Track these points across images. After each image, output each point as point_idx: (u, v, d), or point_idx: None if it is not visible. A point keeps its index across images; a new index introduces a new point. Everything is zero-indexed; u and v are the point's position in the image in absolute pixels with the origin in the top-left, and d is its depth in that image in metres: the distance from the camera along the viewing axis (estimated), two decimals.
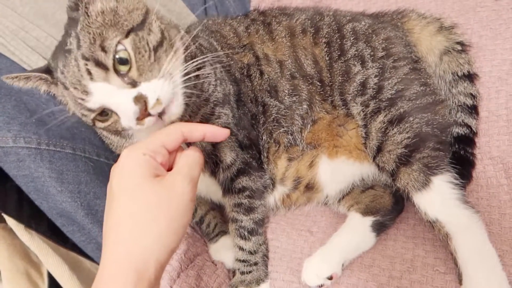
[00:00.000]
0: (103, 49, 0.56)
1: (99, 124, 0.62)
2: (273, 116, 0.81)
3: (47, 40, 0.84)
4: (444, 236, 0.68)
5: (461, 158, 0.78)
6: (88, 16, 0.58)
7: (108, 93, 0.57)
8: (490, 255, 0.65)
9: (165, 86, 0.58)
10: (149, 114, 0.57)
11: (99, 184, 0.83)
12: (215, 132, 0.59)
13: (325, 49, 0.82)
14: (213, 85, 0.75)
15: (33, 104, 0.78)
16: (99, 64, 0.57)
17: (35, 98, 0.79)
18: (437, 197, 0.69)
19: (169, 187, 0.52)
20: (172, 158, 0.58)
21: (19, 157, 0.74)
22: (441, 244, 0.72)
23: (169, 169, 0.57)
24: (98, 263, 0.85)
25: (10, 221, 0.83)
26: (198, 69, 0.69)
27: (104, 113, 0.60)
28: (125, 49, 0.57)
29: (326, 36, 0.83)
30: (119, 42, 0.57)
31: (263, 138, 0.82)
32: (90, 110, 0.60)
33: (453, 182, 0.70)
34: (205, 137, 0.59)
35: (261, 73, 0.83)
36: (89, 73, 0.57)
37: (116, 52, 0.57)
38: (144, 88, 0.57)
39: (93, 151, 0.86)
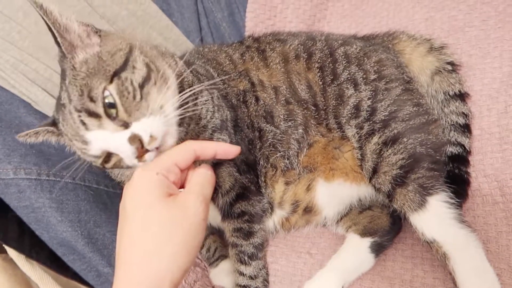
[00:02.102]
0: (92, 99, 0.58)
1: (106, 165, 0.64)
2: (269, 141, 0.83)
3: (46, 71, 0.86)
4: (442, 256, 0.68)
5: (456, 177, 0.79)
6: (73, 68, 0.60)
7: (104, 138, 0.59)
8: (488, 274, 0.66)
9: (155, 122, 0.59)
10: (147, 150, 0.58)
11: (98, 212, 0.83)
12: (226, 150, 0.60)
13: (318, 74, 0.84)
14: (211, 111, 0.77)
15: None
16: (91, 114, 0.58)
17: None
18: (434, 217, 0.70)
19: (182, 207, 0.52)
20: (184, 176, 0.58)
21: (20, 188, 0.74)
22: (439, 264, 0.72)
23: (181, 186, 0.58)
24: None
25: (11, 252, 0.83)
26: (196, 97, 0.70)
27: (108, 155, 0.62)
28: (110, 94, 0.58)
29: (319, 61, 0.85)
30: (104, 89, 0.58)
31: (260, 162, 0.83)
32: (95, 156, 0.61)
33: (448, 201, 0.70)
34: (217, 155, 0.59)
35: (257, 99, 0.84)
36: (83, 123, 0.58)
37: (103, 98, 0.58)
38: (136, 128, 0.58)
39: (92, 179, 0.87)
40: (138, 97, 0.59)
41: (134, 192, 0.53)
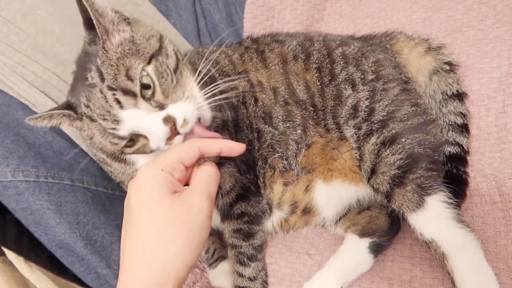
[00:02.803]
0: (130, 78, 0.59)
1: (127, 150, 0.64)
2: (267, 142, 0.83)
3: (44, 74, 0.86)
4: (441, 256, 0.68)
5: (454, 177, 0.79)
6: (106, 50, 0.61)
7: (138, 118, 0.60)
8: (486, 274, 0.66)
9: (190, 107, 0.61)
10: (178, 133, 0.60)
11: (97, 214, 0.83)
12: (231, 147, 0.60)
13: (316, 75, 0.84)
14: (217, 111, 0.77)
15: (31, 137, 0.79)
16: (128, 92, 0.59)
17: (33, 131, 0.80)
18: (432, 217, 0.70)
19: (187, 204, 0.52)
20: (188, 173, 0.59)
21: (18, 190, 0.74)
22: (438, 264, 0.72)
23: (186, 184, 0.58)
24: None
25: (10, 254, 0.83)
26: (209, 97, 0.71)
27: (131, 139, 0.62)
28: (148, 75, 0.59)
29: (317, 61, 0.85)
30: (142, 69, 0.60)
31: (259, 163, 0.83)
32: (121, 137, 0.62)
33: (447, 201, 0.70)
34: (222, 152, 0.59)
35: (256, 100, 0.84)
36: (118, 102, 0.59)
37: (141, 78, 0.59)
38: (172, 109, 0.60)
39: (91, 181, 0.87)
40: (174, 81, 0.62)
41: (139, 189, 0.53)
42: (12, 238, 0.82)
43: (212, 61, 0.89)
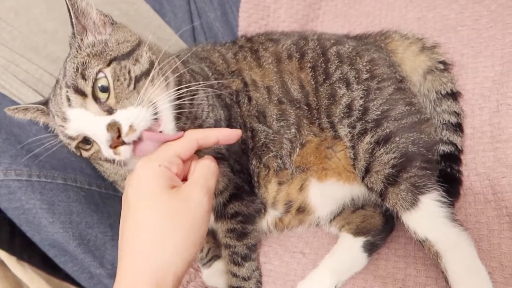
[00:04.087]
0: (83, 76, 0.59)
1: (84, 153, 0.64)
2: (261, 141, 0.83)
3: (37, 72, 0.85)
4: (434, 255, 0.68)
5: (448, 175, 0.79)
6: (79, 47, 0.62)
7: (84, 119, 0.59)
8: (480, 273, 0.66)
9: (141, 113, 0.59)
10: (124, 142, 0.58)
11: (90, 214, 0.83)
12: (228, 135, 0.59)
13: (311, 73, 0.84)
14: (206, 111, 0.77)
15: (23, 136, 0.79)
16: (78, 91, 0.59)
17: (25, 130, 0.80)
18: (426, 216, 0.70)
19: (186, 199, 0.52)
20: (187, 168, 0.58)
21: (10, 189, 0.74)
22: (432, 262, 0.72)
23: (184, 179, 0.57)
24: None
25: (2, 254, 0.82)
26: (193, 95, 0.70)
27: (87, 142, 0.62)
28: (105, 77, 0.59)
29: (311, 60, 0.85)
30: (100, 71, 0.59)
31: (253, 162, 0.83)
32: (70, 137, 0.62)
33: (441, 200, 0.70)
34: (219, 141, 0.59)
35: (249, 99, 0.84)
36: (68, 99, 0.59)
37: (96, 79, 0.59)
38: (119, 115, 0.58)
39: (84, 181, 0.86)
40: (131, 87, 0.61)
41: (137, 184, 0.53)
42: (5, 238, 0.81)
43: (204, 59, 0.89)
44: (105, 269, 0.83)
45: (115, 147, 0.58)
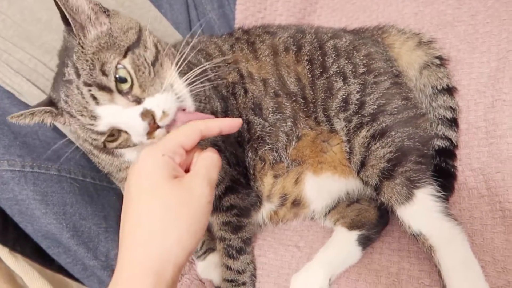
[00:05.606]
0: (104, 73, 0.58)
1: (110, 145, 0.63)
2: (257, 134, 0.82)
3: (30, 62, 0.84)
4: (428, 248, 0.69)
5: (442, 170, 0.80)
6: (81, 45, 0.60)
7: (115, 113, 0.58)
8: (473, 267, 0.66)
9: (169, 98, 0.60)
10: (158, 127, 0.58)
11: (84, 205, 0.82)
12: (230, 124, 0.59)
13: (307, 67, 0.84)
14: (203, 103, 0.76)
15: (17, 126, 0.78)
16: (103, 88, 0.58)
17: None
18: (420, 210, 0.70)
19: (188, 189, 0.52)
20: (189, 159, 0.58)
21: (3, 180, 0.73)
22: (425, 256, 0.73)
23: (186, 170, 0.57)
24: (85, 285, 0.85)
25: None
26: (202, 76, 0.70)
27: (113, 133, 0.61)
28: (124, 68, 0.58)
29: (308, 53, 0.84)
30: (118, 63, 0.58)
31: (249, 155, 0.83)
32: (100, 133, 0.61)
33: (435, 194, 0.71)
34: (222, 131, 0.58)
35: (246, 91, 0.84)
36: (94, 98, 0.58)
37: (116, 72, 0.58)
38: (149, 103, 0.58)
39: (78, 172, 0.85)
40: (152, 73, 0.60)
41: (139, 174, 0.52)
42: None
43: (200, 51, 0.88)
44: (99, 260, 0.83)
45: (152, 132, 0.58)
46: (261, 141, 0.83)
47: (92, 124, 0.60)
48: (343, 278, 0.77)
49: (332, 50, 0.84)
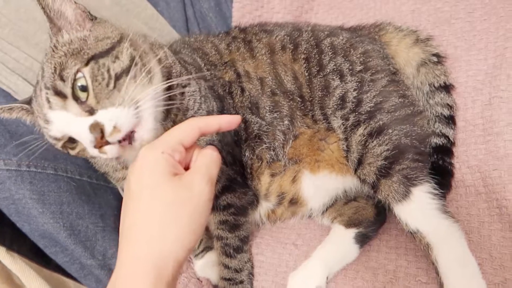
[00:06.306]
0: (62, 78, 0.57)
1: (71, 152, 0.63)
2: (255, 133, 0.82)
3: (26, 61, 0.84)
4: (425, 246, 0.69)
5: (440, 168, 0.80)
6: (53, 48, 0.60)
7: (66, 121, 0.58)
8: (470, 264, 0.66)
9: (124, 114, 0.58)
10: (108, 142, 0.57)
11: (81, 204, 0.82)
12: (229, 121, 0.58)
13: (304, 65, 0.83)
14: (198, 102, 0.76)
15: (13, 125, 0.78)
16: (58, 93, 0.58)
17: (15, 120, 0.79)
18: (417, 208, 0.70)
19: (188, 187, 0.52)
20: (189, 157, 0.57)
21: None
22: (422, 254, 0.73)
23: (186, 168, 0.57)
24: (82, 284, 0.85)
25: None
26: (184, 86, 0.69)
27: (73, 140, 0.61)
28: (84, 77, 0.58)
29: (305, 52, 0.84)
30: (78, 71, 0.58)
31: (246, 154, 0.83)
32: (55, 138, 0.61)
33: (432, 192, 0.71)
34: (221, 128, 0.58)
35: (242, 90, 0.83)
36: (48, 101, 0.58)
37: (75, 80, 0.57)
38: (101, 116, 0.57)
39: (75, 171, 0.85)
40: (111, 85, 0.59)
41: (139, 172, 0.52)
42: None
43: (196, 50, 0.88)
44: (96, 259, 0.83)
45: (100, 147, 0.57)
46: (258, 140, 0.82)
47: (46, 128, 0.60)
48: (340, 276, 0.77)
49: (329, 48, 0.84)
